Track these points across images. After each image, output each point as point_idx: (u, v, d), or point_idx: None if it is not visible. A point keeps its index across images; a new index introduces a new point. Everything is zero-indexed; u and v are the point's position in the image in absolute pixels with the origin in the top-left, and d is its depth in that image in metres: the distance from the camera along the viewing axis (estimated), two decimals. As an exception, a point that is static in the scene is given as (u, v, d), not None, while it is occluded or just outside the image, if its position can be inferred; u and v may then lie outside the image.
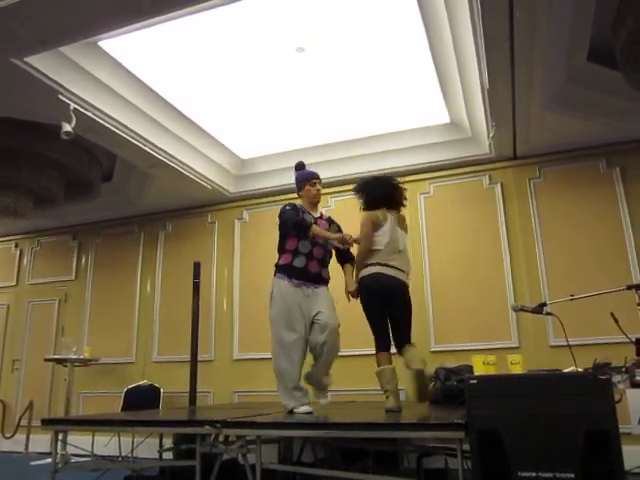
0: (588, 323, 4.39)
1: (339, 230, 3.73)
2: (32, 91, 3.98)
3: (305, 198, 3.82)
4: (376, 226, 3.49)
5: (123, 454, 5.16)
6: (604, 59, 3.93)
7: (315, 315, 3.51)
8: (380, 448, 3.86)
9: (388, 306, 3.44)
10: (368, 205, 3.62)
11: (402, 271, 3.49)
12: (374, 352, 3.42)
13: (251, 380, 5.57)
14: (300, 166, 3.91)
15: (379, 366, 3.34)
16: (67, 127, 4.14)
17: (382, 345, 3.40)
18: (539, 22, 3.30)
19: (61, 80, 3.92)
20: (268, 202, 5.97)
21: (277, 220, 3.72)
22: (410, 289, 3.56)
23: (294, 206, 3.71)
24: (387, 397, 3.27)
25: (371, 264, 3.46)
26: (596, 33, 3.66)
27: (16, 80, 3.81)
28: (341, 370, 5.18)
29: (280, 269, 3.62)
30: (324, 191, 5.56)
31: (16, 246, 7.48)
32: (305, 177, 3.84)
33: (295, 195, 4.04)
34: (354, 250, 3.69)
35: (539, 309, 3.25)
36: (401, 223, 3.63)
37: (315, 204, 3.84)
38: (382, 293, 3.42)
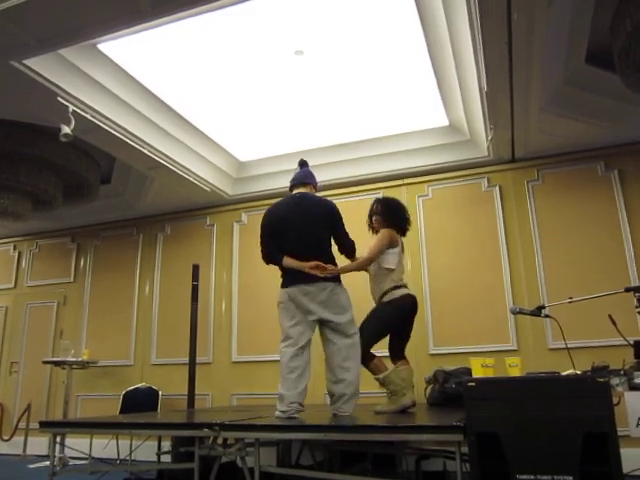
0: (586, 326, 4.40)
1: None
2: (31, 93, 3.98)
3: None
4: (393, 244, 3.66)
5: (121, 457, 5.16)
6: (602, 61, 3.94)
7: None
8: (379, 451, 3.86)
9: (404, 324, 3.68)
10: (389, 223, 3.75)
11: None
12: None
13: (250, 382, 5.56)
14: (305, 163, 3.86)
15: (381, 371, 3.45)
16: (66, 129, 4.14)
17: (371, 353, 3.52)
18: (537, 24, 3.30)
19: (60, 82, 3.92)
20: (267, 205, 5.87)
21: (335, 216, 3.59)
22: None
23: None
24: (403, 394, 3.39)
25: (397, 286, 3.61)
26: (594, 35, 3.68)
27: (15, 82, 3.82)
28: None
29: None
30: (323, 194, 5.61)
31: (14, 248, 7.47)
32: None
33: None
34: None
35: (537, 312, 3.26)
36: (403, 249, 3.86)
37: None
38: (409, 314, 3.66)
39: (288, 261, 3.40)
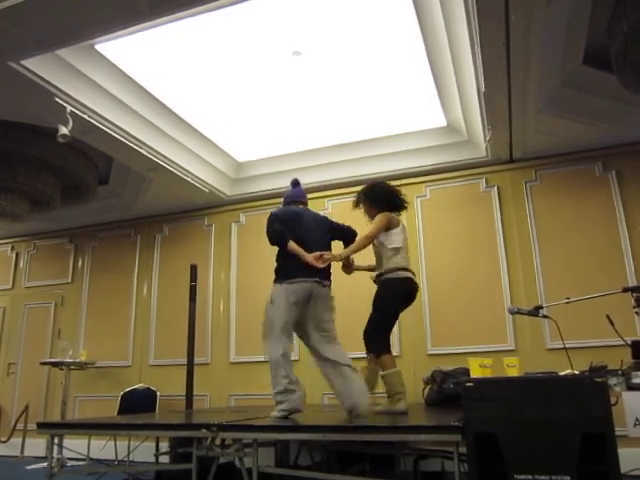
0: (584, 326, 4.41)
1: None
2: (29, 94, 3.97)
3: None
4: (392, 225, 3.61)
5: (119, 458, 5.15)
6: (600, 62, 3.95)
7: None
8: (377, 451, 3.86)
9: (400, 307, 3.62)
10: (381, 208, 3.69)
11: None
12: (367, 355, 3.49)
13: (248, 383, 5.56)
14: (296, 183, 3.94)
15: (387, 369, 3.37)
16: (64, 130, 4.14)
17: (387, 347, 3.46)
18: (535, 25, 3.31)
19: (58, 83, 3.92)
20: (265, 205, 5.93)
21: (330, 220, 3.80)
22: None
23: None
24: (399, 400, 3.30)
25: (402, 268, 3.56)
26: (591, 36, 3.68)
27: (13, 83, 3.81)
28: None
29: None
30: (321, 194, 5.64)
31: (12, 249, 7.46)
32: None
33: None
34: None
35: (535, 312, 3.26)
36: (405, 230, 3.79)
37: None
38: (410, 298, 3.61)
39: (293, 245, 3.40)
